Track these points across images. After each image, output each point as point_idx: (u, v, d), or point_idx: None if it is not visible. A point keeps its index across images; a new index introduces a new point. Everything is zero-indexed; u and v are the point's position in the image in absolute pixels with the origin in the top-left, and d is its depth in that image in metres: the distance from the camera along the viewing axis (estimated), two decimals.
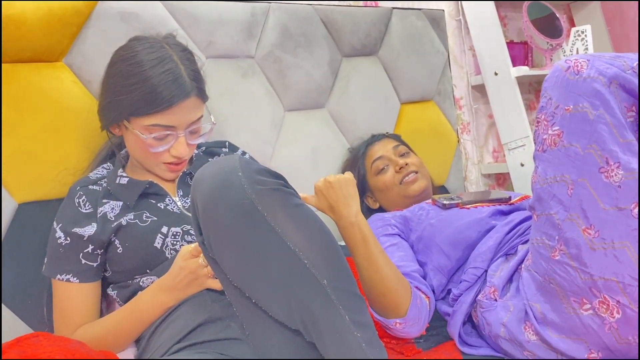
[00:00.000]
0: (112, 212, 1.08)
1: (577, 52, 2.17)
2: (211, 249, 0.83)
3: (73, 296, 1.07)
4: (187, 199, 1.15)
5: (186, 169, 1.18)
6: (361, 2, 1.93)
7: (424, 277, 1.21)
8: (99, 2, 1.27)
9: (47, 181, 1.19)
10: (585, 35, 2.10)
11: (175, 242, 1.07)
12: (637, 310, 0.84)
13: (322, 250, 0.81)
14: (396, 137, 1.62)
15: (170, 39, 1.11)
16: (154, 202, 1.12)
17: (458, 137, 2.03)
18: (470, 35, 2.16)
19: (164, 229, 1.07)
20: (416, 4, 2.08)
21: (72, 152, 1.22)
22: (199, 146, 1.27)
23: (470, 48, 2.21)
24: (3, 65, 1.16)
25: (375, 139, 1.58)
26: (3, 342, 1.05)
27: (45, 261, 1.09)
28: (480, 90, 2.24)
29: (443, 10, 2.02)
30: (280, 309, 0.79)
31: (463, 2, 2.15)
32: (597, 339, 0.89)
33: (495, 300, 1.06)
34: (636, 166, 0.84)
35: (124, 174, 1.14)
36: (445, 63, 1.99)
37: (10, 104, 1.15)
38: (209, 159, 1.25)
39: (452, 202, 1.28)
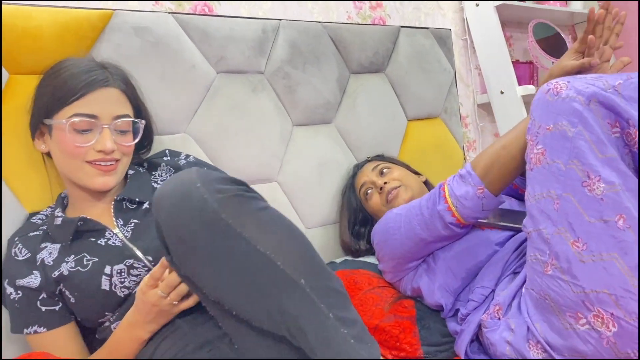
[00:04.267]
0: (49, 256, 1.03)
1: None
2: (182, 267, 0.81)
3: (48, 345, 1.03)
4: (128, 226, 1.07)
5: (117, 196, 1.10)
6: (369, 20, 1.96)
7: (432, 295, 1.21)
8: (113, 16, 1.29)
9: (57, 191, 1.19)
10: None
11: (122, 280, 1.01)
12: (632, 322, 0.84)
13: (295, 250, 0.78)
14: (378, 157, 1.63)
15: (105, 62, 1.11)
16: (93, 239, 1.04)
17: (464, 154, 2.04)
18: (477, 55, 2.18)
19: (107, 269, 1.00)
20: (423, 23, 2.11)
21: None
22: (139, 164, 1.21)
23: (476, 67, 2.23)
24: (18, 77, 1.18)
25: (358, 167, 1.61)
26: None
27: (9, 320, 1.05)
28: (486, 108, 2.26)
29: (450, 30, 2.05)
30: (261, 317, 0.76)
31: (469, 22, 2.18)
32: (597, 354, 0.88)
33: (499, 319, 1.05)
34: (615, 180, 0.85)
35: (60, 214, 1.08)
36: (452, 81, 2.01)
37: (24, 115, 1.16)
38: (153, 173, 1.20)
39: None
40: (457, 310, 1.19)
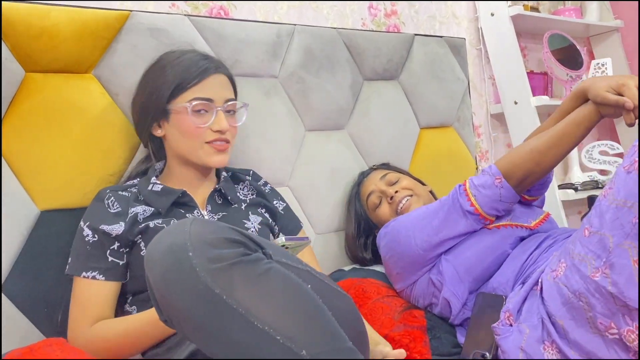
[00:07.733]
0: (143, 214, 1.11)
1: None
2: (176, 329, 0.80)
3: (96, 293, 1.07)
4: (215, 215, 1.18)
5: (217, 186, 1.22)
6: (384, 27, 1.96)
7: (443, 299, 1.20)
8: (130, 17, 1.30)
9: (70, 190, 1.20)
10: (606, 68, 2.11)
11: None
12: None
13: (296, 317, 0.75)
14: (384, 166, 1.61)
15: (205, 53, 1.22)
16: (182, 211, 1.14)
17: (477, 164, 2.03)
18: (491, 64, 2.18)
19: None
20: (438, 32, 2.10)
21: (97, 162, 1.23)
22: (226, 170, 1.29)
23: (490, 77, 2.23)
24: (34, 75, 1.18)
25: (363, 176, 1.59)
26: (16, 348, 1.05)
27: (70, 261, 1.09)
28: (499, 118, 2.25)
29: (464, 39, 2.04)
30: None
31: (484, 31, 2.18)
32: (615, 355, 0.88)
33: (511, 325, 1.04)
34: None
35: (158, 182, 1.17)
36: (465, 90, 2.00)
37: (39, 112, 1.17)
38: (235, 184, 1.27)
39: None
40: (467, 319, 1.18)
